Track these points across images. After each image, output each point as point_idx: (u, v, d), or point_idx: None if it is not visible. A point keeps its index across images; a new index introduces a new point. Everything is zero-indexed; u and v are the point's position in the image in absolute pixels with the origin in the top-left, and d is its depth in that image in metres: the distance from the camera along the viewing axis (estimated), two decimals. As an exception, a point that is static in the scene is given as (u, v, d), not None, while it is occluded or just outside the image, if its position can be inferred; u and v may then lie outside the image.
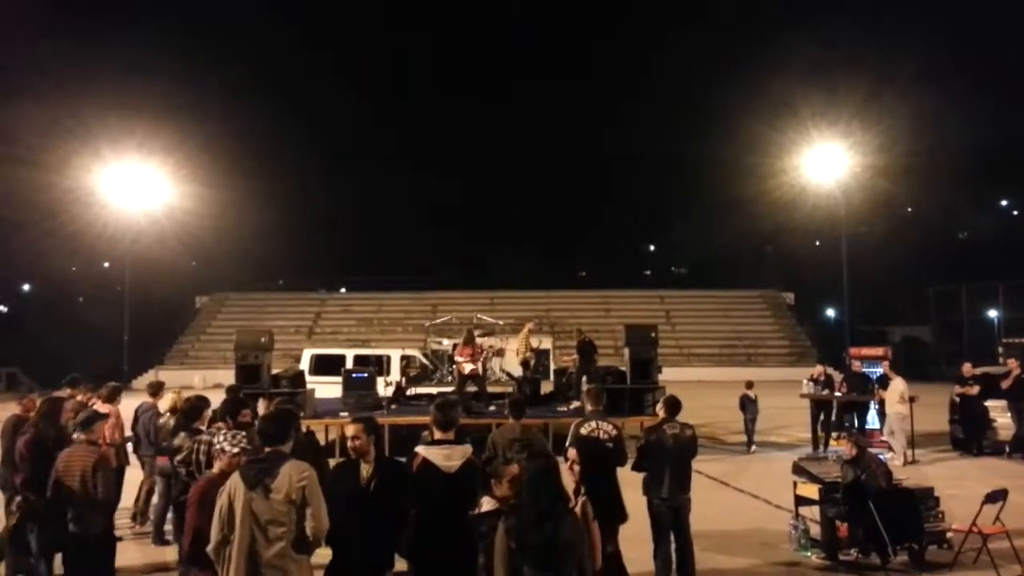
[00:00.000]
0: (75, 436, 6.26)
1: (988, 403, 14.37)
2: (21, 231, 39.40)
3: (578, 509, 4.63)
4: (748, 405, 14.88)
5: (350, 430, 4.84)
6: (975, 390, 14.40)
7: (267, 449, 4.36)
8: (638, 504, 6.65)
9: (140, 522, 9.21)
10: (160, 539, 8.45)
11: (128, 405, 9.70)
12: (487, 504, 4.52)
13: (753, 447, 14.88)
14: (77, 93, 41.61)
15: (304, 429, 7.75)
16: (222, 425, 6.05)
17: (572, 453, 5.00)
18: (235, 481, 4.24)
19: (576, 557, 3.84)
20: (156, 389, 9.93)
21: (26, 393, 9.45)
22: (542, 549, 3.80)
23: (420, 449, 4.68)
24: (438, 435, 4.83)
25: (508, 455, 6.04)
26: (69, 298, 48.62)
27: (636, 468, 6.89)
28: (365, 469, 4.73)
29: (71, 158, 35.65)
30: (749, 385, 15.18)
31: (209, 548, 4.22)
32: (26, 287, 53.05)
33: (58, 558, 6.43)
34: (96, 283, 47.42)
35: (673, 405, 7.07)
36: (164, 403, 9.54)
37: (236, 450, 4.71)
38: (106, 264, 47.08)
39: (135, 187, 34.81)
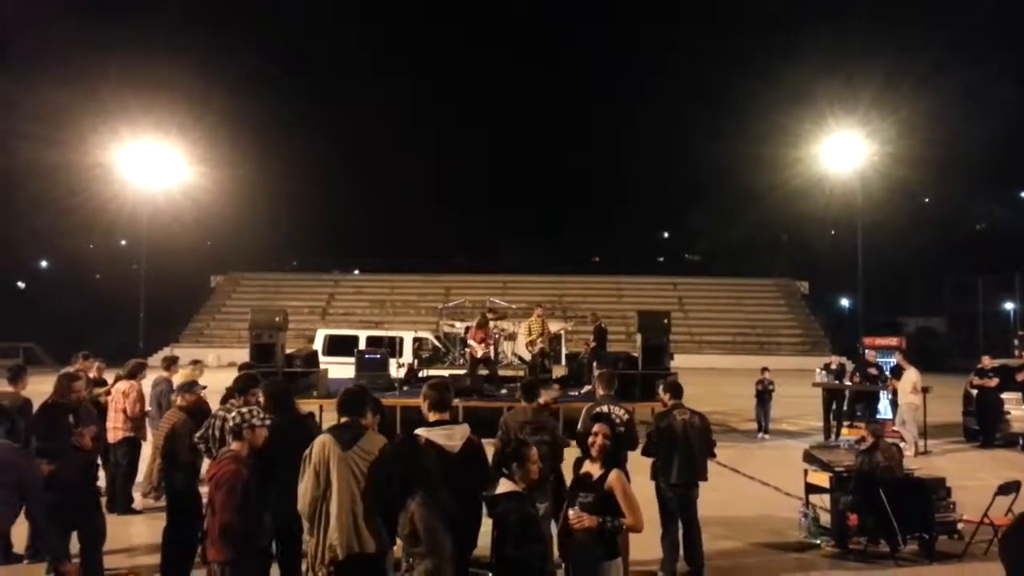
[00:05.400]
0: (175, 399, 7.19)
1: (1002, 395, 14.31)
2: (40, 209, 39.74)
3: (614, 479, 4.69)
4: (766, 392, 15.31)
5: None
6: (994, 382, 14.30)
7: (344, 419, 4.66)
8: (647, 488, 6.69)
9: (155, 497, 9.32)
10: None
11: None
12: (504, 486, 4.53)
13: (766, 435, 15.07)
14: (96, 73, 41.78)
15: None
16: (235, 402, 6.11)
17: (601, 427, 5.01)
18: (328, 444, 4.47)
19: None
20: (169, 363, 10.18)
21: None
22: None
23: (422, 431, 4.67)
24: (434, 416, 4.79)
25: (520, 437, 6.06)
26: (86, 275, 49.06)
27: (645, 453, 6.95)
28: None
29: (90, 137, 35.91)
30: (764, 371, 15.52)
31: (301, 506, 4.46)
32: (44, 264, 53.52)
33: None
34: (113, 261, 47.75)
35: (677, 388, 7.13)
36: (177, 378, 9.64)
37: (260, 424, 4.79)
38: (123, 242, 47.39)
39: (153, 166, 34.98)
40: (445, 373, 15.99)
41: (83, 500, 6.27)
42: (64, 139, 35.97)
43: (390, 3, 64.24)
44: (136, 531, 8.21)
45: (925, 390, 13.40)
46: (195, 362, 10.64)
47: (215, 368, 30.78)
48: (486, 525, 4.72)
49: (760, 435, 14.97)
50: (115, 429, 8.91)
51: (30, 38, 43.19)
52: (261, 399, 5.93)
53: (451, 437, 4.63)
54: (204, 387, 7.57)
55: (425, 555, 4.32)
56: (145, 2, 57.53)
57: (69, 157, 36.11)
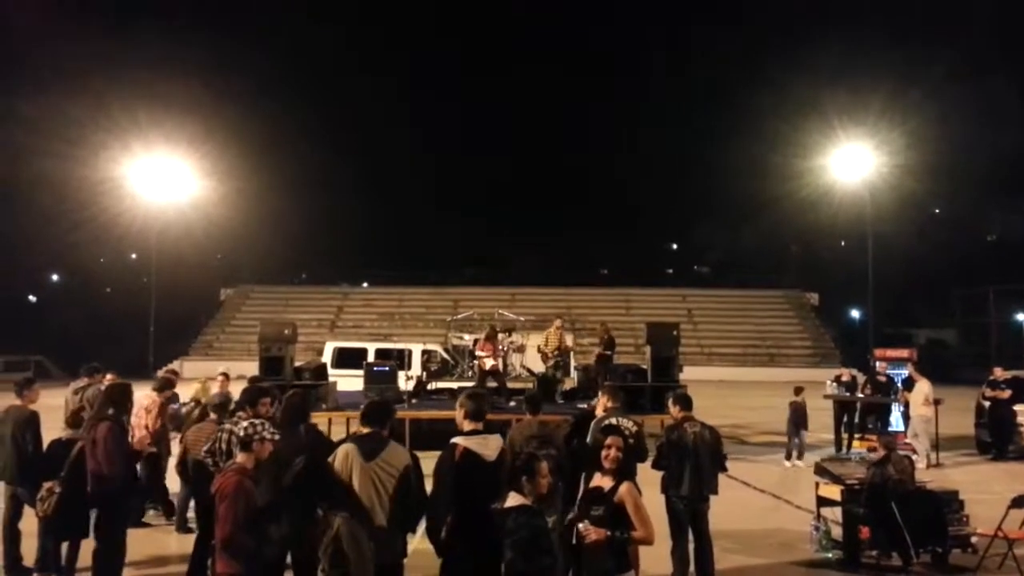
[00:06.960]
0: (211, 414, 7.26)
1: (1015, 407, 14.19)
2: (51, 222, 40.04)
3: (625, 492, 4.72)
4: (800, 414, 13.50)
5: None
6: (1007, 394, 14.19)
7: (367, 429, 4.74)
8: (657, 503, 6.64)
9: (154, 510, 9.33)
10: (184, 527, 8.54)
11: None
12: (514, 499, 4.50)
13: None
14: (106, 87, 42.12)
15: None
16: (243, 414, 6.09)
17: (614, 440, 5.01)
18: (351, 454, 4.55)
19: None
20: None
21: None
22: None
23: (459, 440, 4.69)
24: (469, 425, 4.84)
25: (529, 451, 6.04)
26: (97, 289, 49.31)
27: (655, 466, 6.91)
28: None
29: (100, 151, 36.22)
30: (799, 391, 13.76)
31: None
32: (55, 277, 53.84)
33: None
34: (123, 274, 48.03)
35: (687, 400, 7.09)
36: (188, 392, 9.65)
37: (270, 437, 4.77)
38: (133, 255, 47.67)
39: (163, 180, 35.22)
40: (454, 386, 15.97)
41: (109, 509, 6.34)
42: (75, 153, 36.32)
43: (396, 18, 64.55)
44: (145, 544, 8.19)
45: (937, 402, 13.29)
46: (223, 374, 10.56)
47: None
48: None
49: (789, 463, 13.33)
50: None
51: (41, 53, 43.66)
52: (270, 411, 5.95)
53: (486, 446, 4.67)
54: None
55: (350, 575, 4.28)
56: (155, 16, 58.10)
57: (80, 171, 36.47)
